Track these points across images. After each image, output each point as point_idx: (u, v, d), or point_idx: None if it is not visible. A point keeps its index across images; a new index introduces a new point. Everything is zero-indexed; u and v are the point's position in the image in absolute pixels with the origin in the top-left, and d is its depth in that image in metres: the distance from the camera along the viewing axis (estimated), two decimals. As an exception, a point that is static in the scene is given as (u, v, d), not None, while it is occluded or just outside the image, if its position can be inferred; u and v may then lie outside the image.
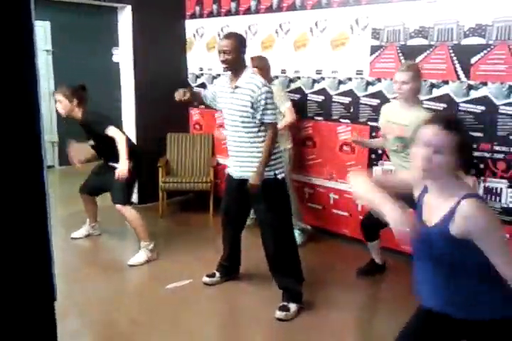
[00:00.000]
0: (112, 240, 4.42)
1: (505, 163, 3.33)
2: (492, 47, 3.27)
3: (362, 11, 3.89)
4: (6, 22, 0.94)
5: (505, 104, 3.27)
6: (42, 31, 6.50)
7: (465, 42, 3.38)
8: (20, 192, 1.02)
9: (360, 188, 1.78)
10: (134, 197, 5.15)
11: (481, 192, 3.38)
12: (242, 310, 3.35)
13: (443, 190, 1.66)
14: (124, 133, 3.94)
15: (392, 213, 1.56)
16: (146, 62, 5.03)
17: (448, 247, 1.62)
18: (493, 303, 1.68)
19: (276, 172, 3.08)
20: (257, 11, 4.62)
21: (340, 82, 4.13)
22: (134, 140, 4.88)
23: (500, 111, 3.30)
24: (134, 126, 5.09)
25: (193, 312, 3.17)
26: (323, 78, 4.24)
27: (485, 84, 3.34)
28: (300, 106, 4.36)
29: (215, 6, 5.00)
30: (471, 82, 3.39)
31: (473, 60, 3.36)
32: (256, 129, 3.02)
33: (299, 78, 4.41)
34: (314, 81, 4.30)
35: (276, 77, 4.47)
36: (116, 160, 3.81)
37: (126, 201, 3.88)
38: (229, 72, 3.11)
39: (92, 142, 3.91)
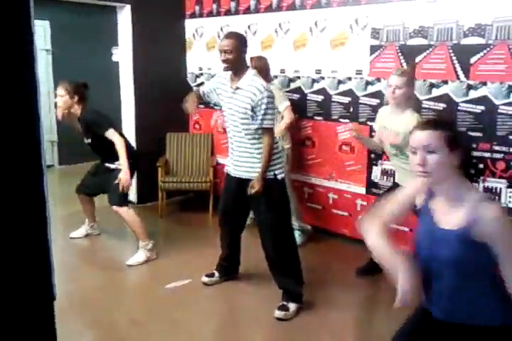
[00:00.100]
0: (111, 240, 4.42)
1: (505, 163, 3.33)
2: (492, 47, 3.27)
3: (361, 11, 3.89)
4: (5, 21, 0.94)
5: (504, 104, 3.28)
6: (41, 31, 6.50)
7: (464, 42, 3.38)
8: (20, 192, 1.02)
9: (374, 243, 1.80)
10: (134, 197, 5.16)
11: (480, 191, 3.39)
12: (242, 310, 3.35)
13: (451, 193, 1.67)
14: (123, 135, 3.94)
15: (402, 281, 1.61)
16: (146, 62, 5.03)
17: (465, 250, 1.62)
18: (495, 310, 1.68)
19: (276, 172, 3.07)
20: (257, 11, 4.62)
21: (339, 82, 4.13)
22: (133, 140, 4.89)
23: (499, 111, 3.30)
24: (134, 126, 5.09)
25: (192, 312, 3.17)
26: (322, 78, 4.24)
27: (484, 84, 3.34)
28: (300, 105, 4.37)
29: (214, 6, 5.00)
30: (471, 82, 3.40)
31: (472, 60, 3.36)
32: (255, 130, 3.02)
33: (298, 78, 4.41)
34: (314, 81, 4.30)
35: (276, 77, 4.47)
36: (113, 161, 3.81)
37: (123, 202, 3.86)
38: (229, 72, 3.09)
39: (89, 140, 3.88)
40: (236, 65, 3.02)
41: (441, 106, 3.55)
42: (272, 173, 3.06)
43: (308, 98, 4.37)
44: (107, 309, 3.22)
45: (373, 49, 3.87)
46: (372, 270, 3.68)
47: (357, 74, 4.01)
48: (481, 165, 3.40)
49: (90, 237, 4.38)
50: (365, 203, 4.14)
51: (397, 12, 3.69)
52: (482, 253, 1.59)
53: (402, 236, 3.93)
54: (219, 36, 4.99)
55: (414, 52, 3.63)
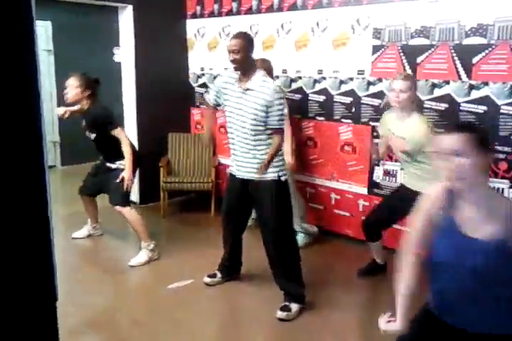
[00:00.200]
0: (114, 240, 4.42)
1: (507, 163, 3.33)
2: (493, 46, 3.26)
3: (363, 11, 3.89)
4: (7, 22, 0.94)
5: (506, 104, 3.27)
6: (43, 31, 6.50)
7: (466, 42, 3.38)
8: (22, 192, 1.02)
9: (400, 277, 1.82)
10: (136, 198, 5.16)
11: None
12: (244, 310, 3.35)
13: (482, 201, 1.63)
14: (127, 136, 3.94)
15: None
16: (148, 62, 5.03)
17: (499, 259, 1.60)
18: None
19: (280, 174, 3.07)
20: (258, 11, 4.62)
21: (341, 82, 4.13)
22: (135, 140, 4.89)
23: (501, 111, 3.29)
24: (136, 126, 5.10)
25: (194, 313, 3.17)
26: (324, 78, 4.24)
27: (486, 84, 3.33)
28: (301, 106, 4.37)
29: (216, 6, 5.00)
30: (473, 82, 3.39)
31: (474, 60, 3.36)
32: (263, 132, 3.00)
33: (300, 78, 4.41)
34: (315, 81, 4.30)
35: (277, 77, 4.47)
36: (114, 161, 3.81)
37: (125, 202, 3.86)
38: (237, 72, 3.06)
39: (92, 136, 3.82)
40: (244, 64, 3.00)
41: (443, 106, 3.55)
42: (275, 175, 3.05)
43: (309, 98, 4.37)
44: (108, 309, 3.22)
45: (375, 49, 3.87)
46: (373, 270, 3.68)
47: (359, 74, 4.00)
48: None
49: (92, 238, 4.38)
50: (367, 203, 4.13)
51: (399, 12, 3.69)
52: None
53: (403, 236, 3.92)
54: (220, 36, 5.00)
55: (416, 52, 3.62)
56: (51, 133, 6.74)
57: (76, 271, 3.70)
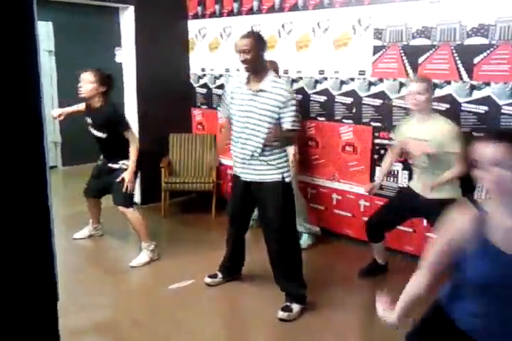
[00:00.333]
0: (115, 241, 4.42)
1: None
2: (495, 47, 3.26)
3: (364, 11, 3.88)
4: (8, 23, 0.94)
5: (508, 104, 3.27)
6: (44, 32, 6.51)
7: (468, 42, 3.38)
8: (23, 193, 1.02)
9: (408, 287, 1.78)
10: (137, 198, 5.16)
11: (483, 193, 3.37)
12: (245, 311, 3.35)
13: None
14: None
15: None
16: (149, 63, 5.03)
17: None
18: None
19: (285, 175, 3.06)
20: (260, 12, 4.62)
21: (342, 83, 4.13)
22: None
23: (503, 111, 3.29)
24: (137, 127, 5.09)
25: (195, 313, 3.17)
26: (325, 78, 4.24)
27: (488, 84, 3.33)
28: (303, 106, 4.36)
29: (217, 7, 5.00)
30: (474, 82, 3.39)
31: (476, 60, 3.35)
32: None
33: (301, 78, 4.41)
34: (317, 81, 4.30)
35: (279, 78, 4.46)
36: (117, 161, 3.81)
37: (129, 203, 3.85)
38: (245, 74, 3.02)
39: (103, 135, 3.73)
40: (255, 64, 2.93)
41: (444, 106, 3.54)
42: (279, 176, 3.05)
43: (311, 99, 4.37)
44: (109, 309, 3.22)
45: (376, 49, 3.87)
46: (374, 271, 3.68)
47: (360, 74, 4.00)
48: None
49: (93, 238, 4.39)
50: (368, 204, 4.13)
51: (400, 12, 3.68)
52: None
53: (404, 237, 3.92)
54: (221, 37, 5.00)
55: (417, 52, 3.62)
56: (52, 133, 6.74)
57: (77, 272, 3.70)
